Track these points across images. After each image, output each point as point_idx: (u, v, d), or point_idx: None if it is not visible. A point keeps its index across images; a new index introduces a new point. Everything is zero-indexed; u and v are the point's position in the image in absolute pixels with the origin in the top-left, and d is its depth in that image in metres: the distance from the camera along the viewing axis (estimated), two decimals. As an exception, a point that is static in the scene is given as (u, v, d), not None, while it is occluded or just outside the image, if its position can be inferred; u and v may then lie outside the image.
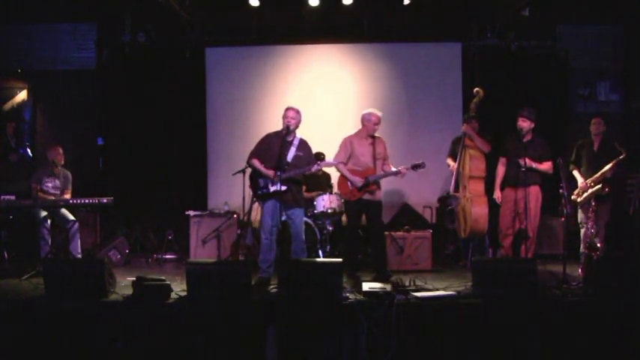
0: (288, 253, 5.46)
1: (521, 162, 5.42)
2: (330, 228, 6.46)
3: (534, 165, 5.54)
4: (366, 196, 5.54)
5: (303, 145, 5.43)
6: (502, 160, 5.88)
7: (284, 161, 5.25)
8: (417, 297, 4.38)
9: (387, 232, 6.18)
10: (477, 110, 6.00)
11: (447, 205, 6.62)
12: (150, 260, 6.77)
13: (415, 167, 5.46)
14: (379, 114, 5.63)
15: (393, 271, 5.78)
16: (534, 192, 5.59)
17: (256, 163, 5.37)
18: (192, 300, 4.41)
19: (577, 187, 5.79)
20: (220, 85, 7.87)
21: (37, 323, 4.30)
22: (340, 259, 4.66)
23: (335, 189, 6.68)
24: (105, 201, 5.78)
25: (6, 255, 6.04)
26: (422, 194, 7.55)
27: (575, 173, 5.79)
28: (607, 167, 5.52)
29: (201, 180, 7.84)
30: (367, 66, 7.80)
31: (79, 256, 6.01)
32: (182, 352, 4.22)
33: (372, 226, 5.67)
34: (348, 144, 5.67)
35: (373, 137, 5.68)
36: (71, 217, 6.05)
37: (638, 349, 4.16)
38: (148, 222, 7.45)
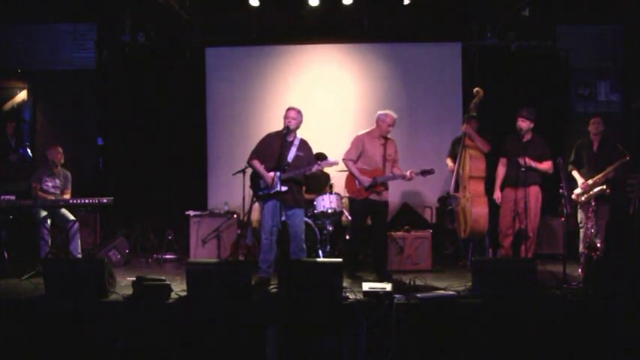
0: (288, 253, 5.46)
1: (521, 162, 5.42)
2: (330, 228, 6.46)
3: (534, 164, 5.54)
4: (373, 196, 5.55)
5: (304, 145, 5.42)
6: (502, 161, 5.88)
7: (284, 161, 5.25)
8: (417, 297, 4.38)
9: (387, 233, 6.18)
10: (476, 110, 6.00)
11: (447, 205, 6.61)
12: (150, 260, 6.76)
13: (424, 173, 5.44)
14: (395, 116, 5.64)
15: (393, 271, 5.78)
16: (534, 192, 5.60)
17: (257, 164, 5.37)
18: (192, 300, 4.41)
19: (577, 188, 5.79)
20: (220, 85, 7.86)
21: (37, 323, 4.30)
22: (340, 259, 4.67)
23: (335, 189, 6.69)
24: (105, 201, 5.78)
25: (6, 255, 6.04)
26: (422, 194, 7.56)
27: (575, 174, 5.76)
28: (610, 169, 5.50)
29: (201, 180, 7.83)
30: (367, 66, 7.80)
31: (79, 256, 6.01)
32: (182, 352, 4.22)
33: (377, 226, 5.67)
34: (359, 142, 5.66)
35: (385, 138, 5.68)
36: (71, 217, 6.06)
37: (638, 349, 4.16)
38: (148, 222, 7.44)
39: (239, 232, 6.38)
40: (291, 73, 7.81)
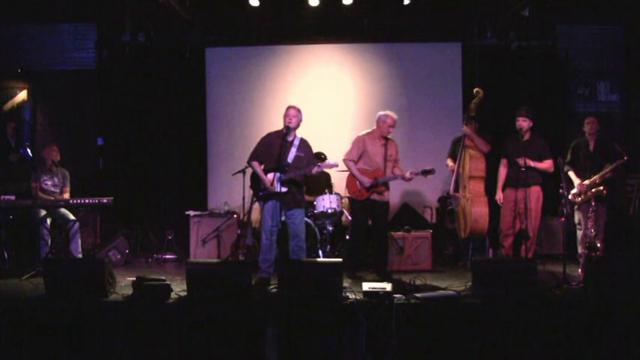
0: (288, 253, 5.46)
1: (521, 162, 5.42)
2: (330, 228, 6.45)
3: (533, 164, 5.53)
4: (374, 196, 5.55)
5: (304, 144, 5.42)
6: (503, 161, 5.87)
7: (284, 161, 5.24)
8: (417, 297, 4.38)
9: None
10: (476, 110, 6.00)
11: (447, 205, 6.62)
12: (150, 260, 6.77)
13: (425, 173, 5.44)
14: (395, 116, 5.65)
15: (393, 271, 5.79)
16: (535, 192, 5.59)
17: (256, 165, 5.37)
18: (192, 300, 4.41)
19: (573, 188, 5.77)
20: (220, 85, 7.87)
21: (37, 323, 4.29)
22: (340, 259, 4.67)
23: (335, 189, 6.69)
24: (105, 201, 5.77)
25: (6, 255, 6.04)
26: (422, 194, 7.56)
27: (571, 174, 5.73)
28: (608, 170, 5.48)
29: (201, 180, 7.83)
30: (367, 66, 7.80)
31: (80, 256, 6.01)
32: (182, 352, 4.22)
33: (377, 226, 5.67)
34: (360, 143, 5.67)
35: (386, 139, 5.68)
36: (71, 217, 6.06)
37: (638, 349, 4.16)
38: (148, 222, 7.45)
39: (239, 232, 6.37)
40: (291, 73, 7.81)
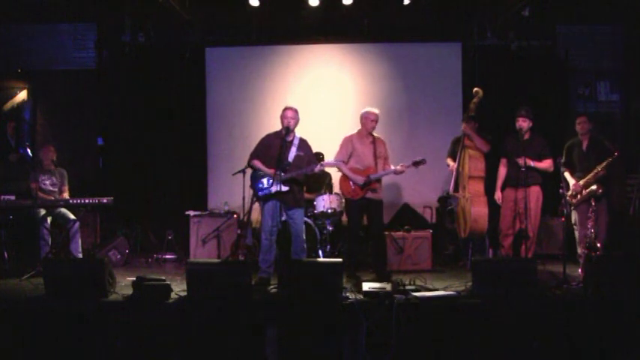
0: (288, 253, 5.46)
1: (520, 162, 5.41)
2: (330, 228, 6.45)
3: (533, 164, 5.53)
4: (369, 195, 5.55)
5: (304, 144, 5.43)
6: (503, 161, 5.87)
7: (284, 161, 5.25)
8: (417, 297, 4.38)
9: (387, 232, 6.18)
10: (476, 110, 6.00)
11: (447, 205, 6.62)
12: (150, 260, 6.77)
13: (416, 164, 5.47)
14: (376, 112, 5.66)
15: (393, 271, 5.79)
16: (535, 192, 5.59)
17: (257, 163, 5.37)
18: (192, 300, 4.41)
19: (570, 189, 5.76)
20: (220, 85, 7.87)
21: (37, 323, 4.29)
22: (340, 259, 4.67)
23: (335, 189, 6.69)
24: (105, 201, 5.77)
25: (6, 255, 6.03)
26: (422, 194, 7.55)
27: (567, 175, 5.69)
28: (599, 168, 5.46)
29: (201, 180, 7.83)
30: (367, 66, 7.80)
31: (80, 255, 6.01)
32: (182, 352, 4.22)
33: (373, 225, 5.67)
34: (349, 143, 5.68)
35: (374, 137, 5.68)
36: (72, 217, 6.06)
37: (638, 348, 4.16)
38: (148, 222, 7.45)
39: (239, 232, 6.37)
40: (291, 73, 7.81)
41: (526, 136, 5.63)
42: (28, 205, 5.80)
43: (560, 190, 5.37)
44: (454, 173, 6.03)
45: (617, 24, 7.82)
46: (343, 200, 6.37)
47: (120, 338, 4.23)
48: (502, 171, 5.85)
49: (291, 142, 5.37)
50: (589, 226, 5.42)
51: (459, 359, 4.20)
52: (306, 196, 6.39)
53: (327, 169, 6.61)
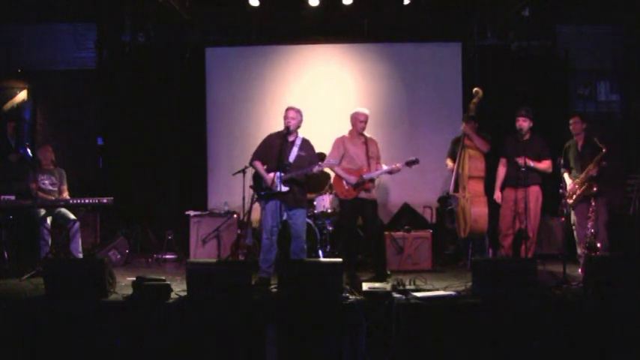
0: (288, 253, 5.46)
1: (520, 161, 5.41)
2: (330, 228, 6.46)
3: (532, 164, 5.53)
4: (362, 195, 5.55)
5: (306, 144, 5.43)
6: (502, 161, 5.88)
7: (285, 161, 5.25)
8: (417, 297, 4.38)
9: (387, 232, 6.19)
10: (476, 110, 6.00)
11: (447, 205, 6.62)
12: (150, 260, 6.77)
13: (409, 164, 5.47)
14: (366, 112, 5.65)
15: (393, 271, 5.78)
16: (534, 192, 5.59)
17: (258, 165, 5.38)
18: (192, 300, 4.41)
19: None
20: (220, 85, 7.87)
21: (37, 323, 4.29)
22: (340, 259, 4.66)
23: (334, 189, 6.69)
24: (105, 201, 5.78)
25: (6, 255, 6.03)
26: (422, 194, 7.55)
27: (565, 176, 5.70)
28: (590, 167, 5.45)
29: (201, 180, 7.83)
30: (367, 66, 7.80)
31: (80, 255, 6.01)
32: (182, 352, 4.22)
33: (370, 225, 5.66)
34: (340, 144, 5.68)
35: (366, 137, 5.69)
36: (72, 217, 6.06)
37: (638, 349, 4.16)
38: (148, 222, 7.45)
39: (239, 232, 6.37)
40: (291, 73, 7.81)
41: (526, 137, 5.63)
42: (28, 205, 5.80)
43: (560, 190, 5.37)
44: (454, 173, 6.03)
45: (617, 24, 7.82)
46: (339, 200, 6.37)
47: (120, 338, 4.23)
48: (501, 171, 5.85)
49: (293, 142, 5.37)
50: (589, 226, 5.42)
51: (459, 359, 4.20)
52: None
53: (327, 170, 6.62)
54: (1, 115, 7.83)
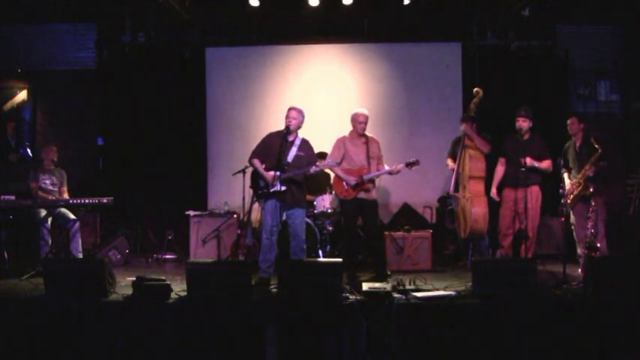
0: (288, 253, 5.46)
1: (522, 161, 5.41)
2: (330, 228, 6.46)
3: (536, 164, 5.53)
4: (362, 195, 5.55)
5: (305, 145, 5.43)
6: (501, 160, 5.88)
7: (284, 161, 5.25)
8: (417, 297, 4.38)
9: (387, 232, 6.19)
10: (476, 110, 6.00)
11: (447, 205, 6.62)
12: (150, 260, 6.77)
13: (409, 165, 5.47)
14: (366, 112, 5.66)
15: (393, 271, 5.79)
16: (534, 192, 5.60)
17: (257, 163, 5.38)
18: (192, 300, 4.41)
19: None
20: (220, 85, 7.87)
21: (37, 323, 4.29)
22: (340, 259, 4.66)
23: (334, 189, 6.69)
24: (105, 201, 5.78)
25: (6, 255, 6.03)
26: (422, 194, 7.55)
27: (565, 176, 5.70)
28: (586, 167, 5.45)
29: (201, 180, 7.83)
30: (367, 66, 7.80)
31: (80, 255, 6.01)
32: (182, 352, 4.22)
33: (370, 225, 5.67)
34: (341, 144, 5.69)
35: (366, 137, 5.68)
36: (72, 217, 6.06)
37: (638, 349, 4.16)
38: (148, 222, 7.45)
39: (239, 232, 6.38)
40: (291, 73, 7.81)
41: (526, 137, 5.64)
42: (28, 205, 5.81)
43: (560, 190, 5.37)
44: (454, 173, 6.03)
45: (617, 24, 7.82)
46: (339, 200, 6.37)
47: (120, 338, 4.23)
48: (500, 170, 5.86)
49: (292, 142, 5.37)
50: (589, 226, 5.42)
51: (459, 359, 4.20)
52: (307, 197, 6.40)
53: (327, 170, 6.63)
54: (1, 115, 7.84)
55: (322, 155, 6.53)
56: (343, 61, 7.83)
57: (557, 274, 5.21)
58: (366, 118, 5.64)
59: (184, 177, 7.76)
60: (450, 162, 6.35)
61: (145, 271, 5.76)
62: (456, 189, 6.04)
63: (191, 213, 6.83)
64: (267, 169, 5.31)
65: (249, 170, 5.59)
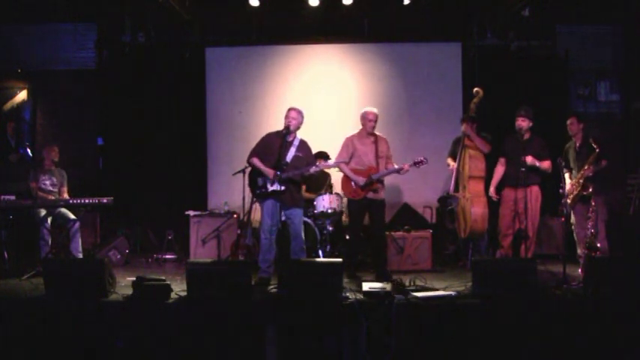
0: (288, 253, 5.46)
1: (523, 160, 5.41)
2: (330, 228, 6.45)
3: (537, 163, 5.53)
4: (370, 195, 5.55)
5: (303, 145, 5.43)
6: (501, 160, 5.88)
7: (283, 161, 5.25)
8: (417, 297, 4.38)
9: (387, 232, 6.18)
10: (476, 110, 6.00)
11: (447, 205, 6.62)
12: (150, 260, 6.76)
13: (417, 164, 5.47)
14: (375, 111, 5.66)
15: (393, 271, 5.78)
16: (534, 192, 5.59)
17: (256, 161, 5.37)
18: (192, 300, 4.41)
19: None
20: (220, 85, 7.87)
21: (37, 323, 4.29)
22: (340, 259, 4.66)
23: (335, 189, 6.69)
24: (105, 201, 5.78)
25: (6, 255, 6.03)
26: (422, 194, 7.55)
27: (566, 176, 5.70)
28: (586, 168, 5.44)
29: (201, 180, 7.84)
30: (367, 66, 7.80)
31: (80, 255, 6.01)
32: (182, 352, 4.22)
33: (375, 225, 5.67)
34: (349, 144, 5.68)
35: (375, 136, 5.68)
36: (72, 216, 6.06)
37: (639, 349, 4.16)
38: (148, 222, 7.45)
39: (239, 232, 6.38)
40: (291, 73, 7.82)
41: (526, 136, 5.64)
42: (28, 205, 5.81)
43: (560, 190, 5.37)
44: (454, 173, 6.03)
45: (617, 24, 7.82)
46: (344, 200, 6.38)
47: (120, 338, 4.23)
48: (499, 169, 5.86)
49: (291, 142, 5.37)
50: (589, 226, 5.42)
51: (459, 359, 4.20)
52: (307, 196, 6.41)
53: (327, 170, 6.62)
54: (1, 115, 7.84)
55: (322, 155, 6.54)
56: (343, 61, 7.83)
57: (557, 274, 5.20)
58: (376, 116, 5.64)
59: (184, 177, 7.75)
60: (450, 161, 6.35)
61: (145, 271, 5.75)
62: (456, 189, 6.04)
63: (191, 213, 6.83)
64: (266, 169, 5.31)
65: (249, 170, 5.59)
